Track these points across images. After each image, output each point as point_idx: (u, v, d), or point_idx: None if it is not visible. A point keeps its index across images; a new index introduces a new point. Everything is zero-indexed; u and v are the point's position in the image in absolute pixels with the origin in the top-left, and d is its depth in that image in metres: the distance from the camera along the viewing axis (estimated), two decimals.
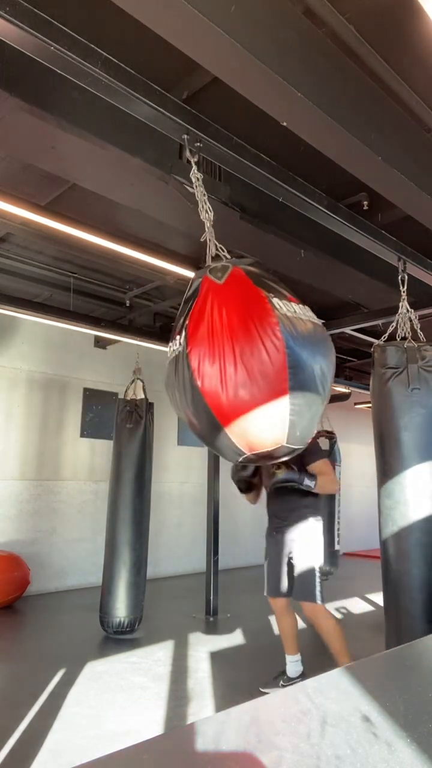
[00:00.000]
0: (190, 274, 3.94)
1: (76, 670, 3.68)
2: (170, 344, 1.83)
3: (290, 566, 3.34)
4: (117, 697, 3.27)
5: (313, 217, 2.84)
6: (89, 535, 6.54)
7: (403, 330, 3.03)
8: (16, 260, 4.74)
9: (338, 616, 5.60)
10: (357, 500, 10.17)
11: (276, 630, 3.76)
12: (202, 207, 2.01)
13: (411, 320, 3.06)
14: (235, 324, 1.62)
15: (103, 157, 2.53)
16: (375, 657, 1.22)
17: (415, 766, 0.71)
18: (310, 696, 0.91)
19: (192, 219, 2.37)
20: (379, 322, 4.65)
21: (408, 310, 3.10)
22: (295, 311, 1.72)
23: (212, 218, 2.00)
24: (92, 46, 1.77)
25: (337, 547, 6.31)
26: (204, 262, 1.98)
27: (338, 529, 6.35)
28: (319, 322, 1.84)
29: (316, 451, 3.30)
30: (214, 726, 0.81)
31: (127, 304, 5.63)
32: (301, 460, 3.21)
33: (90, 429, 6.83)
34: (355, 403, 9.42)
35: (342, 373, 7.97)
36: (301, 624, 5.08)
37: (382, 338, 3.04)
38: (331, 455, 6.48)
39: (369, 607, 5.89)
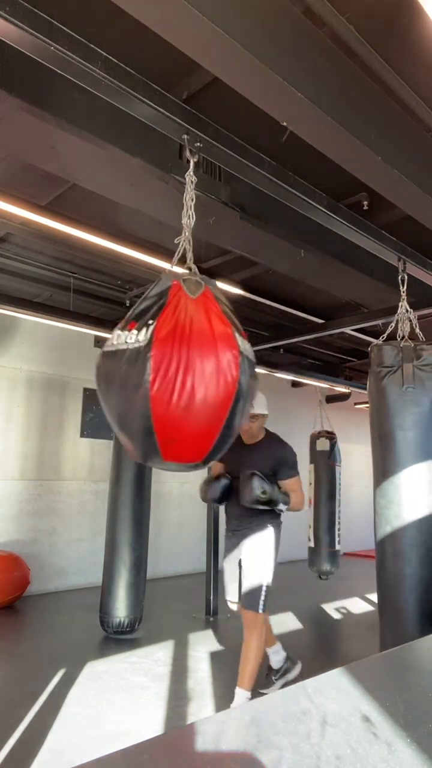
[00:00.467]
0: None
1: (76, 670, 3.68)
2: (120, 333, 1.76)
3: (241, 570, 3.21)
4: (117, 697, 3.27)
5: (313, 217, 2.84)
6: (89, 535, 6.53)
7: (402, 330, 3.03)
8: (16, 260, 4.74)
9: (338, 616, 5.61)
10: (357, 500, 10.15)
11: (274, 630, 3.75)
12: (186, 212, 2.02)
13: (410, 320, 3.07)
14: (205, 343, 1.67)
15: (103, 157, 2.53)
16: (375, 657, 1.22)
17: (415, 766, 0.71)
18: (310, 696, 0.91)
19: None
20: (379, 322, 4.65)
21: (408, 310, 3.11)
22: (247, 349, 1.80)
23: (192, 225, 2.02)
24: (92, 46, 1.77)
25: (337, 547, 6.31)
26: (196, 262, 2.00)
27: (338, 529, 6.35)
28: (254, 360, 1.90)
29: (293, 466, 3.23)
30: (214, 726, 0.81)
31: (127, 304, 5.62)
32: (275, 468, 3.15)
33: (90, 429, 6.82)
34: (355, 403, 9.42)
35: (342, 373, 7.97)
36: (298, 625, 5.09)
37: (381, 338, 3.04)
38: (332, 455, 6.49)
39: (369, 607, 5.90)
